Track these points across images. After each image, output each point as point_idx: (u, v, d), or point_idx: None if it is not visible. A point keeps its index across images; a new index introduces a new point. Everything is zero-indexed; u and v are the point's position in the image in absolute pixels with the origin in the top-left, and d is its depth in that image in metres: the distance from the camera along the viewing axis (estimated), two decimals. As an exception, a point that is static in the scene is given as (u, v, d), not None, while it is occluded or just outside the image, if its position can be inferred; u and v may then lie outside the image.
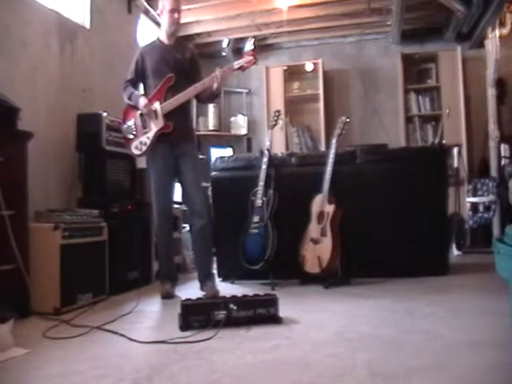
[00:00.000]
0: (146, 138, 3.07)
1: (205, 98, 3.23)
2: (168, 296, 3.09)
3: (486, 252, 4.35)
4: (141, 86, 3.26)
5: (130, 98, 3.14)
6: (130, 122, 3.14)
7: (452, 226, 4.68)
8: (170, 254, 3.29)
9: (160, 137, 3.05)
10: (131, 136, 3.13)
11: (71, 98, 3.68)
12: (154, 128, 3.06)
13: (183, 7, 4.97)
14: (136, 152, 3.13)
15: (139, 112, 3.09)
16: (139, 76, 3.20)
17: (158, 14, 3.34)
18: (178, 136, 3.06)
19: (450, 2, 4.67)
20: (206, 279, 3.14)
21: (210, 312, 2.21)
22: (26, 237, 2.64)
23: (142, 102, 3.05)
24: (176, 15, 3.13)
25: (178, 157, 3.11)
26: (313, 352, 1.85)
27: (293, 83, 6.21)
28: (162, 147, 3.07)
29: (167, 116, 3.04)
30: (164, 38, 3.21)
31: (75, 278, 2.80)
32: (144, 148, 3.08)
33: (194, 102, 3.87)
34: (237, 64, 3.08)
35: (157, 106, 3.05)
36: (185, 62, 3.16)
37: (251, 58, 3.07)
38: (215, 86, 3.07)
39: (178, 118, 3.07)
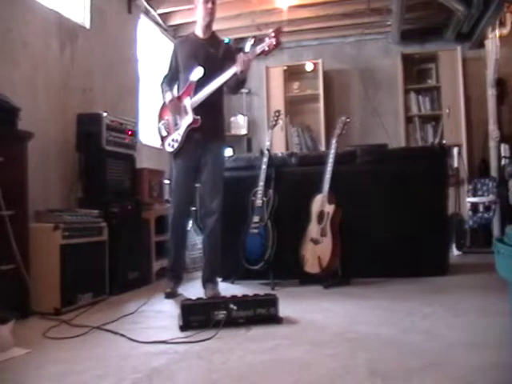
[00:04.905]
0: (178, 135, 3.06)
1: (232, 86, 3.13)
2: (171, 295, 3.08)
3: (486, 252, 4.36)
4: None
5: (164, 97, 3.16)
6: (164, 120, 3.15)
7: (452, 225, 4.68)
8: (180, 252, 3.25)
9: (190, 133, 3.02)
10: (164, 133, 3.14)
11: (71, 98, 3.67)
12: (184, 124, 3.04)
13: (184, 7, 5.04)
14: (169, 149, 3.13)
15: None
16: (174, 71, 3.21)
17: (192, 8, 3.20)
18: (204, 133, 3.02)
19: (450, 2, 4.67)
20: (208, 281, 3.13)
21: (210, 312, 2.21)
22: (26, 237, 2.63)
23: (168, 98, 3.05)
24: (210, 5, 3.07)
25: (201, 155, 3.07)
26: (313, 352, 1.85)
27: (293, 83, 6.21)
28: (188, 144, 3.04)
29: (196, 111, 3.00)
30: (199, 32, 3.17)
31: (75, 278, 2.80)
32: (176, 145, 3.07)
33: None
34: (259, 48, 2.93)
35: (186, 101, 3.01)
36: (217, 56, 3.09)
37: (273, 40, 2.86)
38: (239, 71, 2.90)
39: (207, 115, 3.01)
